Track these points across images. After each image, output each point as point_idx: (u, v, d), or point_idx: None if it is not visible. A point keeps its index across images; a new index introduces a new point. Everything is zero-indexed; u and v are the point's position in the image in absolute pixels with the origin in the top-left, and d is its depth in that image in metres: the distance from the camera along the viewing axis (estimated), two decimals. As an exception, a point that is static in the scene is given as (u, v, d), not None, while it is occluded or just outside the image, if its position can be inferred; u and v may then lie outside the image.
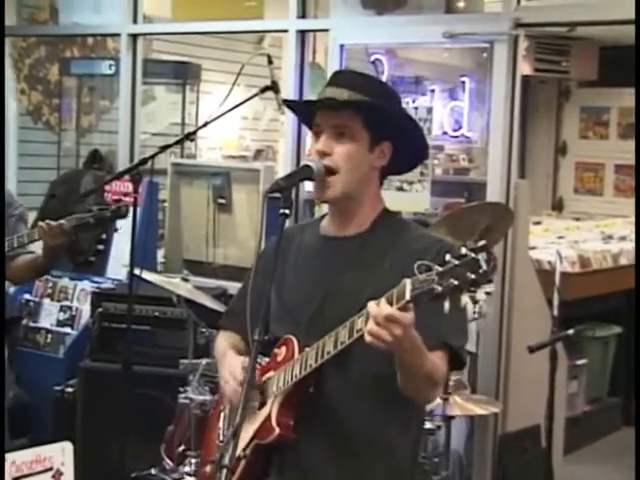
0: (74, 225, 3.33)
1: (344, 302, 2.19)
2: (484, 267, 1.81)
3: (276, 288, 2.34)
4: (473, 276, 1.81)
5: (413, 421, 2.33)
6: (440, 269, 1.84)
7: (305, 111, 2.42)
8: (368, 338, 1.96)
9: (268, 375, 2.29)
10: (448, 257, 1.85)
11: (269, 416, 2.21)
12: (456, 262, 1.83)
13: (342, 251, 2.31)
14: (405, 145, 2.32)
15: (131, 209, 3.48)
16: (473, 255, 1.82)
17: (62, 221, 3.34)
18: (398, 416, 2.26)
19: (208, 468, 2.47)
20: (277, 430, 2.18)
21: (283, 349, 2.28)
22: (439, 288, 1.83)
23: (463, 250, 1.84)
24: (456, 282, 1.82)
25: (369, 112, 2.24)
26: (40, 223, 3.37)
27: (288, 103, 2.62)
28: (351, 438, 2.23)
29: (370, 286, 2.16)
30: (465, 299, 1.83)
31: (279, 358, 2.28)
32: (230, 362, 2.36)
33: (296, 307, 2.32)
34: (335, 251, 2.32)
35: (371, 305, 1.97)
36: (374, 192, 2.36)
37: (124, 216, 3.38)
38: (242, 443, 2.26)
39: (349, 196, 2.28)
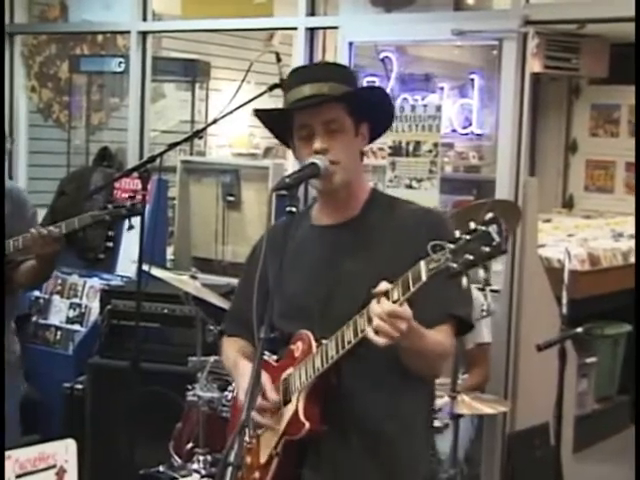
0: (88, 223, 3.29)
1: (351, 291, 2.22)
2: (497, 239, 1.79)
3: (276, 285, 2.32)
4: (487, 249, 1.80)
5: (426, 392, 2.37)
6: (452, 246, 1.83)
7: (280, 120, 2.35)
8: (373, 336, 1.98)
9: (288, 372, 2.29)
10: (458, 234, 1.83)
11: (296, 412, 2.22)
12: (467, 237, 1.82)
13: (340, 238, 2.32)
14: (377, 119, 2.36)
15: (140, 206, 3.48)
16: (484, 228, 1.81)
17: (52, 228, 3.29)
18: (411, 392, 2.28)
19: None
20: (307, 425, 2.19)
21: (299, 344, 2.28)
22: (454, 265, 1.82)
23: (472, 225, 1.82)
24: (471, 257, 1.81)
25: (351, 100, 2.26)
26: (32, 229, 3.31)
27: (260, 114, 2.40)
28: (372, 423, 2.25)
29: (373, 270, 2.18)
30: (482, 272, 1.82)
31: (296, 354, 2.28)
32: (244, 380, 2.32)
33: (303, 301, 2.33)
34: (333, 239, 2.34)
35: (373, 305, 1.98)
36: (362, 174, 2.41)
37: (139, 213, 3.36)
38: (272, 442, 2.28)
39: (348, 183, 2.31)
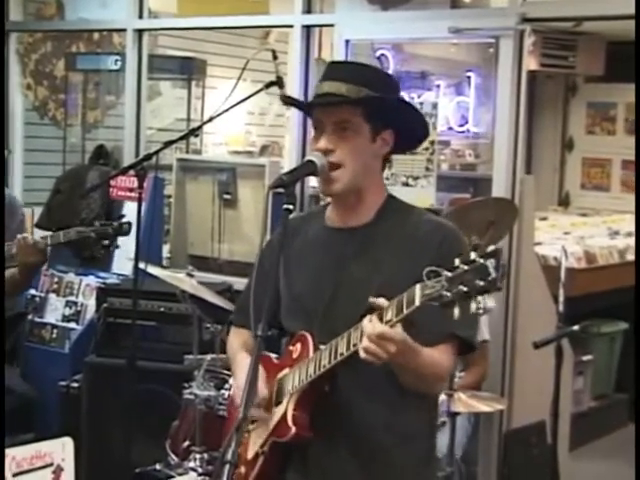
0: (73, 239, 3.28)
1: (354, 295, 2.20)
2: (493, 274, 1.78)
3: (285, 282, 2.34)
4: (482, 283, 1.79)
5: (425, 405, 2.33)
6: (449, 275, 1.83)
7: (306, 106, 2.43)
8: (363, 354, 1.97)
9: (284, 372, 2.28)
10: (457, 262, 1.83)
11: (285, 415, 2.21)
12: (465, 268, 1.81)
13: (349, 243, 2.29)
14: (406, 129, 2.30)
15: (136, 204, 3.48)
16: (482, 261, 1.80)
17: (38, 239, 3.29)
18: (410, 404, 2.25)
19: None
20: (293, 429, 2.17)
21: (298, 346, 2.27)
22: (448, 295, 1.82)
23: (472, 255, 1.82)
24: (465, 289, 1.80)
25: (369, 105, 2.22)
26: (18, 236, 3.30)
27: (287, 100, 2.55)
28: (368, 433, 2.23)
29: (378, 277, 2.18)
30: (474, 305, 1.81)
31: (294, 355, 2.27)
32: (239, 375, 2.33)
33: (307, 301, 2.31)
34: (342, 243, 2.31)
35: (365, 323, 1.98)
36: (378, 180, 2.35)
37: (126, 233, 3.35)
38: (260, 440, 2.27)
39: (355, 188, 2.27)
